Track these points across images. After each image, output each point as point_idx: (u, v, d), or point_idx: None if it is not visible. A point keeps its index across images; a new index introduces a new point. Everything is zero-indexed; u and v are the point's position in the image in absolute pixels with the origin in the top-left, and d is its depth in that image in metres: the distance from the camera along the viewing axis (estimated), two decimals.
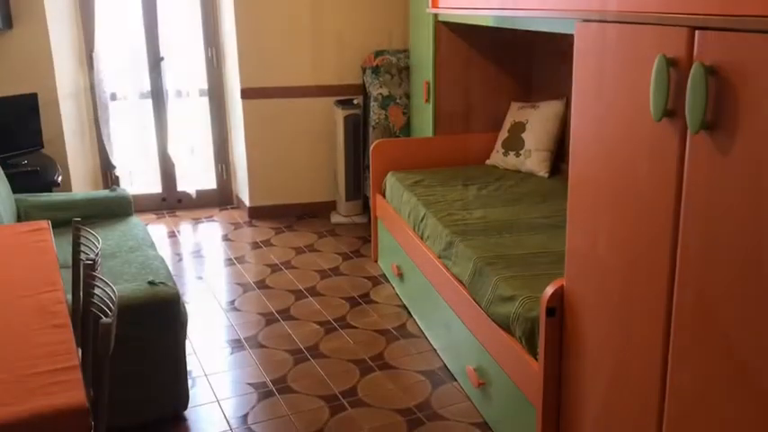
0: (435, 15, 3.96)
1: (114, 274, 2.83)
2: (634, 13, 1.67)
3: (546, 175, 3.78)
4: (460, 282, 2.77)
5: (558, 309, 2.07)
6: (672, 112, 1.52)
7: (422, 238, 3.29)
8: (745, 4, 1.31)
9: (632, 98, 1.66)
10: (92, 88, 4.89)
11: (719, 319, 1.43)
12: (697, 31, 1.44)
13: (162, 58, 4.99)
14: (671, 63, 1.50)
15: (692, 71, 1.42)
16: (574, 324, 2.02)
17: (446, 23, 3.98)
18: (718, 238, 1.41)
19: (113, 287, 1.81)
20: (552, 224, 3.00)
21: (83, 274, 1.93)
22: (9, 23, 4.24)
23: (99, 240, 2.15)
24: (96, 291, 1.84)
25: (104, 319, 1.61)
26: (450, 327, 2.93)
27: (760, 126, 1.29)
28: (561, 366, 2.10)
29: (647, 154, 1.62)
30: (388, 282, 3.89)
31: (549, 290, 2.07)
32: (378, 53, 4.77)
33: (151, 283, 2.59)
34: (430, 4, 3.58)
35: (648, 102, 1.58)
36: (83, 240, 2.24)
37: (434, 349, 3.14)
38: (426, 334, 3.27)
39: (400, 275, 3.64)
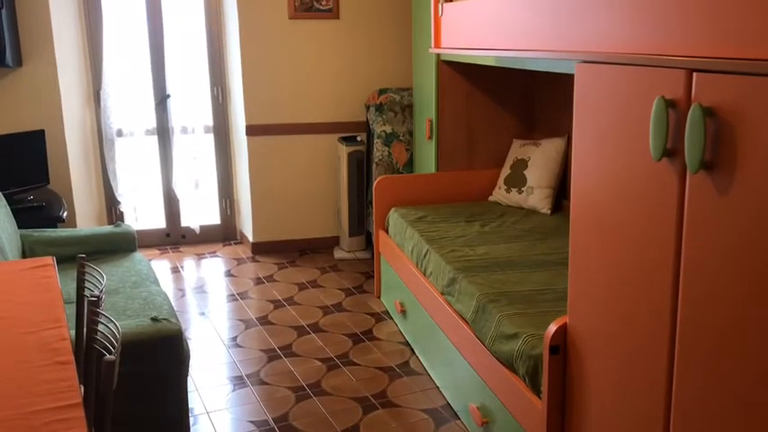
0: (438, 54, 4.02)
1: (117, 310, 2.83)
2: (633, 55, 1.70)
3: (548, 211, 3.80)
4: (463, 319, 2.77)
5: (561, 347, 2.07)
6: (671, 152, 1.54)
7: (425, 275, 3.30)
8: (743, 47, 1.34)
9: (632, 138, 1.68)
10: (98, 125, 4.95)
11: (723, 357, 1.43)
12: (695, 74, 1.47)
13: (168, 96, 5.06)
14: (670, 104, 1.52)
15: (690, 112, 1.44)
16: (577, 362, 2.01)
17: (448, 62, 4.04)
18: (720, 277, 1.42)
19: (117, 324, 1.81)
20: (555, 261, 3.01)
21: (86, 310, 1.94)
22: (19, 61, 4.32)
23: (103, 277, 2.16)
24: (100, 327, 1.85)
25: (108, 357, 1.61)
26: (453, 364, 2.91)
27: (758, 167, 1.31)
28: (565, 405, 2.08)
29: (648, 193, 1.64)
30: (391, 318, 3.88)
31: (553, 328, 2.07)
32: (381, 91, 4.83)
33: (154, 319, 2.59)
34: (432, 45, 3.64)
35: (648, 141, 1.60)
36: (87, 276, 2.25)
37: (437, 387, 3.12)
38: (429, 371, 3.25)
39: (403, 312, 3.63)
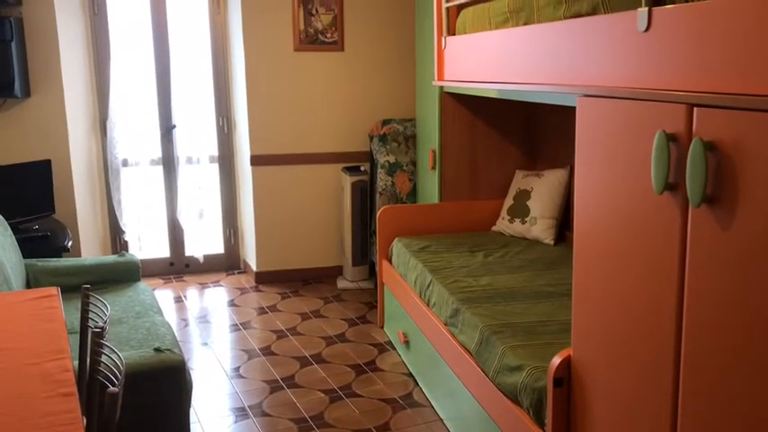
0: (441, 86, 4.06)
1: (121, 340, 2.83)
2: (634, 90, 1.72)
3: (552, 242, 3.80)
4: (467, 350, 2.76)
5: (565, 379, 2.06)
6: (673, 185, 1.55)
7: (428, 305, 3.29)
8: (743, 82, 1.36)
9: (634, 171, 1.70)
10: (104, 155, 4.99)
11: (727, 389, 1.42)
12: (695, 108, 1.49)
13: (174, 126, 5.11)
14: (671, 138, 1.54)
15: (691, 147, 1.45)
16: (581, 395, 2.00)
17: (451, 94, 4.08)
18: (723, 310, 1.42)
19: (120, 355, 1.81)
20: (559, 292, 3.00)
21: (90, 341, 1.94)
22: (27, 92, 4.37)
23: (107, 308, 2.17)
24: (103, 358, 1.85)
25: (111, 389, 1.61)
26: (456, 396, 2.89)
27: (759, 202, 1.32)
28: None
29: (651, 226, 1.65)
30: (395, 349, 3.87)
31: (557, 360, 2.06)
32: (385, 122, 4.87)
33: (157, 350, 2.59)
34: (436, 77, 3.68)
35: (650, 175, 1.61)
36: (91, 307, 2.26)
37: (441, 419, 3.10)
38: (433, 403, 3.22)
39: (406, 342, 3.62)
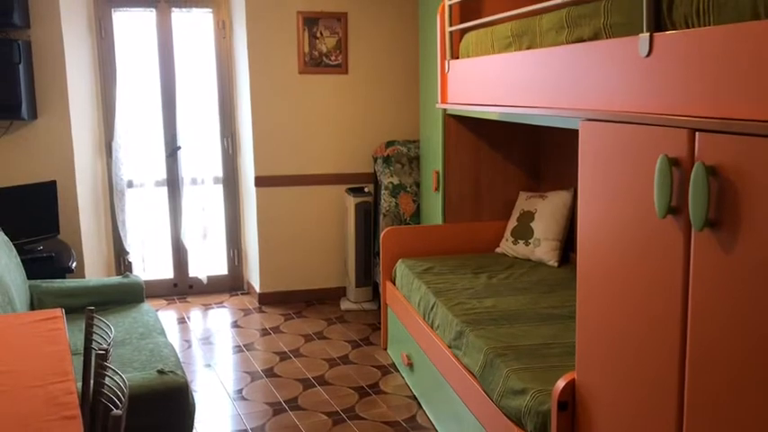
0: (444, 109, 4.09)
1: (124, 362, 2.83)
2: (636, 114, 1.73)
3: (556, 264, 3.80)
4: (471, 373, 2.75)
5: (569, 402, 2.05)
6: (676, 209, 1.55)
7: (432, 327, 3.28)
8: (744, 108, 1.37)
9: (637, 195, 1.71)
10: (109, 176, 5.02)
11: (731, 410, 1.41)
12: (697, 133, 1.50)
13: (179, 148, 5.14)
14: (673, 162, 1.55)
15: (693, 171, 1.46)
16: (586, 418, 1.99)
17: (455, 116, 4.10)
18: (727, 333, 1.42)
19: (124, 377, 1.81)
20: (563, 314, 3.00)
21: (94, 364, 1.94)
22: (34, 114, 4.41)
23: (111, 330, 2.17)
24: (107, 381, 1.85)
25: (114, 412, 1.61)
26: (460, 419, 2.88)
27: (761, 226, 1.32)
28: None
29: (654, 249, 1.65)
30: (398, 371, 3.85)
31: (561, 383, 2.05)
32: (389, 143, 4.90)
33: (161, 372, 2.58)
34: (439, 100, 3.71)
35: (653, 198, 1.62)
36: (95, 329, 2.26)
37: None
38: (437, 426, 3.20)
39: (410, 365, 3.61)
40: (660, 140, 1.61)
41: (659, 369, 1.65)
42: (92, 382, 2.01)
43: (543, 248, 3.85)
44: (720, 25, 1.51)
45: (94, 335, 2.24)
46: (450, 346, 3.02)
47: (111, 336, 2.12)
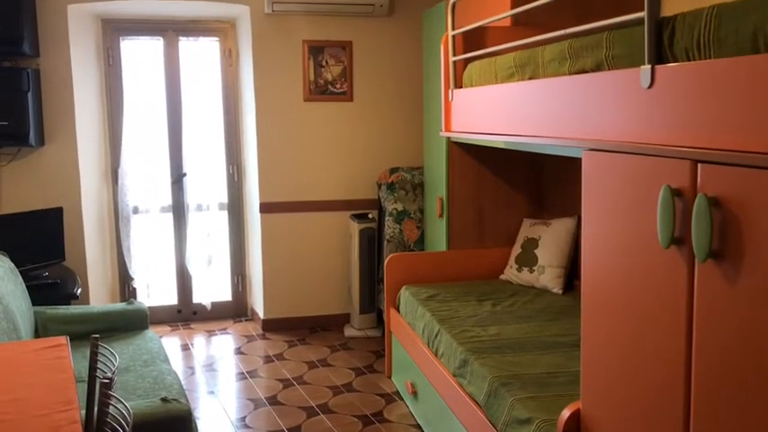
0: (448, 137, 4.11)
1: (128, 389, 2.82)
2: (639, 145, 1.75)
3: (560, 291, 3.79)
4: (476, 402, 2.73)
5: None
6: (679, 240, 1.56)
7: (436, 355, 3.27)
8: (745, 140, 1.39)
9: (640, 225, 1.71)
10: (115, 202, 5.05)
11: None
12: (699, 164, 1.51)
13: (184, 174, 5.17)
14: (676, 193, 1.56)
15: (696, 202, 1.47)
16: None
17: (458, 143, 4.13)
18: (731, 364, 1.41)
19: (127, 405, 1.81)
20: (567, 343, 2.99)
21: (98, 392, 1.94)
22: (42, 141, 4.45)
23: (116, 358, 2.18)
24: (111, 409, 1.84)
25: None
26: None
27: (764, 258, 1.33)
28: None
29: (658, 279, 1.65)
30: (402, 399, 3.83)
31: (566, 413, 2.04)
32: (393, 170, 4.92)
33: (164, 399, 2.58)
34: (443, 128, 3.74)
35: (656, 228, 1.62)
36: (99, 357, 2.26)
37: None
38: None
39: (414, 393, 3.59)
40: (663, 171, 1.62)
41: (664, 399, 1.64)
42: (96, 410, 2.01)
43: (547, 276, 3.85)
44: (721, 58, 1.53)
45: (99, 363, 2.24)
46: (454, 375, 3.00)
47: (116, 364, 2.12)
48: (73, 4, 4.47)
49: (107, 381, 1.93)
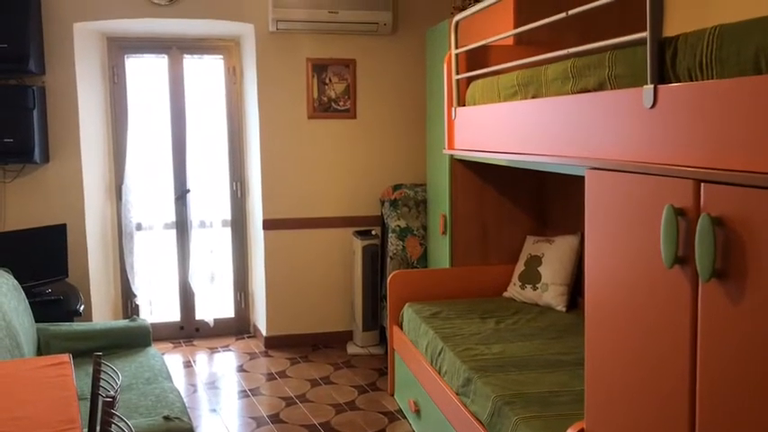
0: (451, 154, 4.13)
1: (130, 407, 2.81)
2: (642, 164, 1.75)
3: (564, 309, 3.78)
4: (479, 420, 2.72)
5: None
6: (683, 259, 1.56)
7: (439, 373, 3.26)
8: (748, 160, 1.39)
9: (644, 244, 1.71)
10: (118, 218, 5.06)
11: None
12: (702, 184, 1.51)
13: (188, 191, 5.19)
14: (679, 213, 1.56)
15: (699, 222, 1.47)
16: None
17: (461, 160, 4.14)
18: (736, 385, 1.41)
19: (130, 424, 1.81)
20: (571, 361, 2.97)
21: (101, 411, 1.94)
22: (46, 158, 4.48)
23: (119, 376, 2.17)
24: (113, 428, 1.84)
25: None
26: None
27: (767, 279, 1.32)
28: None
29: (662, 298, 1.65)
30: (405, 418, 3.81)
31: None
32: (396, 187, 4.93)
33: (166, 418, 2.57)
34: (446, 146, 3.75)
35: (659, 248, 1.62)
36: (102, 375, 2.26)
37: None
38: None
39: (417, 412, 3.57)
40: (666, 190, 1.62)
41: (669, 419, 1.63)
42: (98, 429, 2.00)
43: (551, 293, 3.84)
44: (723, 79, 1.54)
45: (102, 381, 2.24)
46: (457, 393, 2.99)
47: (119, 382, 2.12)
48: (79, 22, 4.51)
49: (110, 399, 1.93)
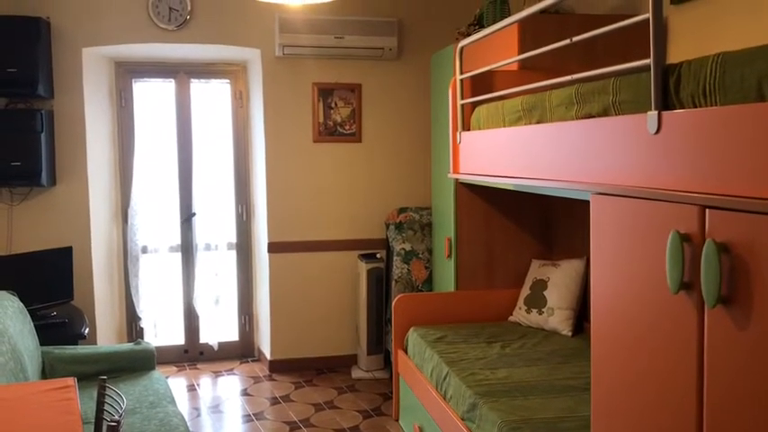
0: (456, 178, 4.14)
1: None
2: (646, 189, 1.76)
3: (569, 333, 3.76)
4: None
5: None
6: (688, 285, 1.56)
7: (444, 398, 3.24)
8: (752, 186, 1.39)
9: (649, 269, 1.71)
10: (124, 241, 5.08)
11: None
12: (707, 210, 1.52)
13: (194, 214, 5.20)
14: (684, 239, 1.56)
15: (704, 248, 1.47)
16: None
17: (466, 183, 4.15)
18: (743, 410, 1.40)
19: None
20: (577, 386, 2.95)
21: None
22: (53, 181, 4.50)
23: (123, 400, 2.17)
24: None
25: None
26: None
27: None
28: None
29: (668, 324, 1.64)
30: None
31: None
32: (401, 210, 4.94)
33: None
34: (451, 170, 3.76)
35: (665, 273, 1.62)
36: (107, 399, 2.25)
37: None
38: None
39: None
40: (671, 216, 1.63)
41: None
42: None
43: (557, 318, 3.82)
44: (727, 105, 1.55)
45: (106, 405, 2.24)
46: (463, 419, 2.97)
47: (123, 407, 2.11)
48: (87, 47, 4.56)
49: (114, 424, 1.92)
